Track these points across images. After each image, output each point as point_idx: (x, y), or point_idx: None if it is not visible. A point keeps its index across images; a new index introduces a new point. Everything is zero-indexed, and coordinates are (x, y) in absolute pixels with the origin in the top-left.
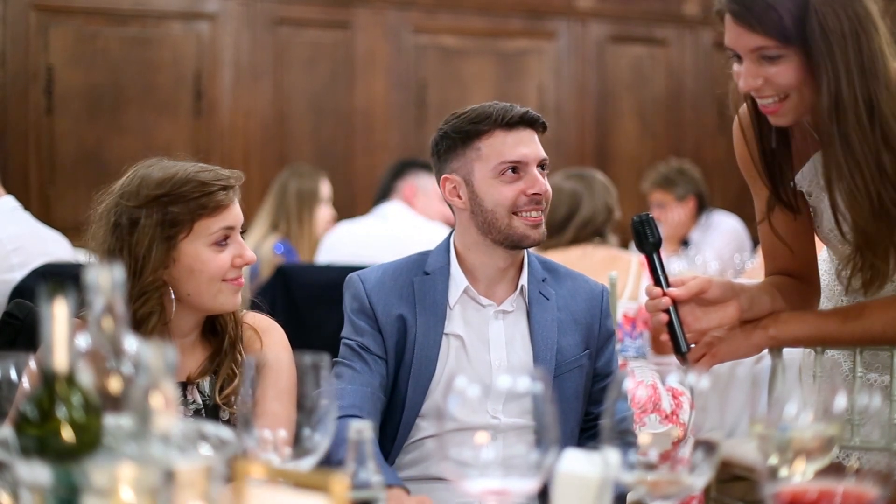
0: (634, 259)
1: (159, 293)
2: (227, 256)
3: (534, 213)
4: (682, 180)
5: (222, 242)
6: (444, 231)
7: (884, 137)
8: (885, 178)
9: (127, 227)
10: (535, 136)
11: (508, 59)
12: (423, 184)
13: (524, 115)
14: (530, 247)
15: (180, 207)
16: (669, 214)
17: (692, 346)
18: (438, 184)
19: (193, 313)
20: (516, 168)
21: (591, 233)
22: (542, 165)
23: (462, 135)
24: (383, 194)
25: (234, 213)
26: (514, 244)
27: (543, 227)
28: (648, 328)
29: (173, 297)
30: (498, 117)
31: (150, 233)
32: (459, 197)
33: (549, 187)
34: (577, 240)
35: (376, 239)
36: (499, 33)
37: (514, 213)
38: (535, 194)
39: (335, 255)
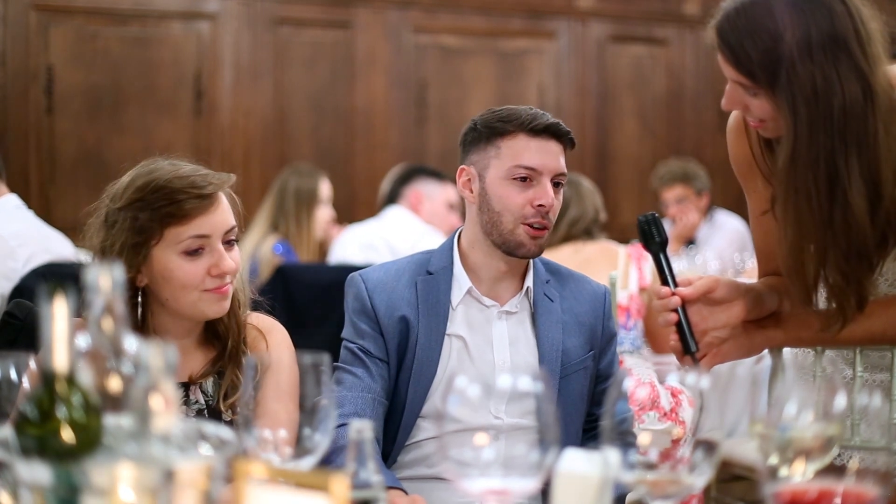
0: (622, 250)
1: (128, 295)
2: (199, 266)
3: (537, 225)
4: (701, 173)
5: (195, 251)
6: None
7: (843, 202)
8: (834, 235)
9: (107, 227)
10: (559, 149)
11: (509, 59)
12: (430, 191)
13: (550, 125)
14: (524, 258)
15: (149, 214)
16: (689, 214)
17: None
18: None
19: (179, 318)
20: (529, 175)
21: (581, 231)
22: (557, 181)
23: (488, 130)
24: (390, 199)
25: (211, 222)
26: (510, 251)
27: (543, 241)
28: (642, 317)
29: (149, 300)
30: (525, 121)
31: (121, 236)
32: (471, 190)
33: (557, 203)
34: (569, 237)
35: (376, 243)
36: (499, 33)
37: (522, 223)
38: (540, 206)
39: (342, 259)
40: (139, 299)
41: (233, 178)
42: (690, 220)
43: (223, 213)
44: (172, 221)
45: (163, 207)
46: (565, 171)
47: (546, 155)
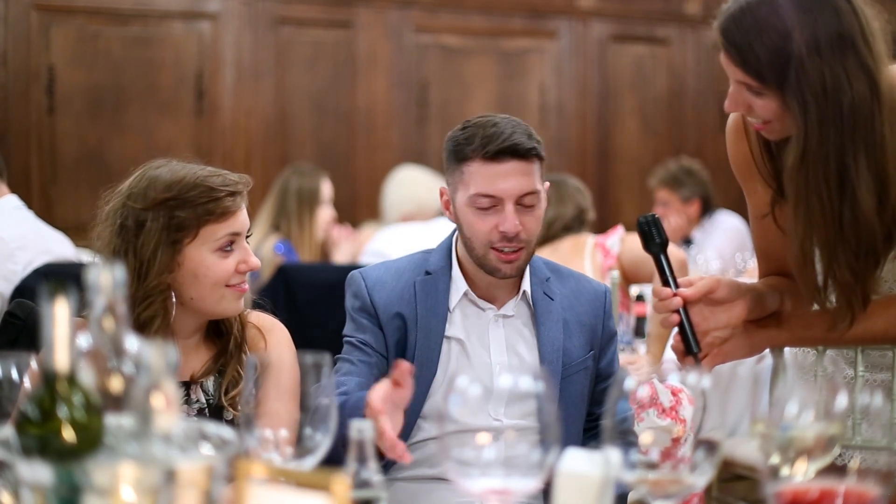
0: (590, 240)
1: (163, 297)
2: (231, 262)
3: (507, 249)
4: (690, 181)
5: (227, 248)
6: None
7: (852, 200)
8: (843, 232)
9: (133, 229)
10: (523, 168)
11: (510, 59)
12: None
13: (506, 147)
14: (503, 279)
15: (187, 212)
16: (672, 217)
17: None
18: None
19: (196, 316)
20: (491, 202)
21: (560, 229)
22: (525, 202)
23: (453, 153)
24: None
25: (241, 220)
26: (488, 273)
27: (521, 262)
28: (626, 309)
29: (174, 300)
30: (479, 146)
31: (155, 236)
32: (449, 210)
33: (531, 220)
34: (547, 238)
35: (414, 248)
36: (500, 33)
37: (491, 248)
38: (504, 232)
39: (378, 252)
40: (173, 299)
41: (251, 181)
42: (675, 222)
43: (245, 212)
44: (211, 219)
45: (203, 204)
46: (534, 188)
47: (505, 180)
